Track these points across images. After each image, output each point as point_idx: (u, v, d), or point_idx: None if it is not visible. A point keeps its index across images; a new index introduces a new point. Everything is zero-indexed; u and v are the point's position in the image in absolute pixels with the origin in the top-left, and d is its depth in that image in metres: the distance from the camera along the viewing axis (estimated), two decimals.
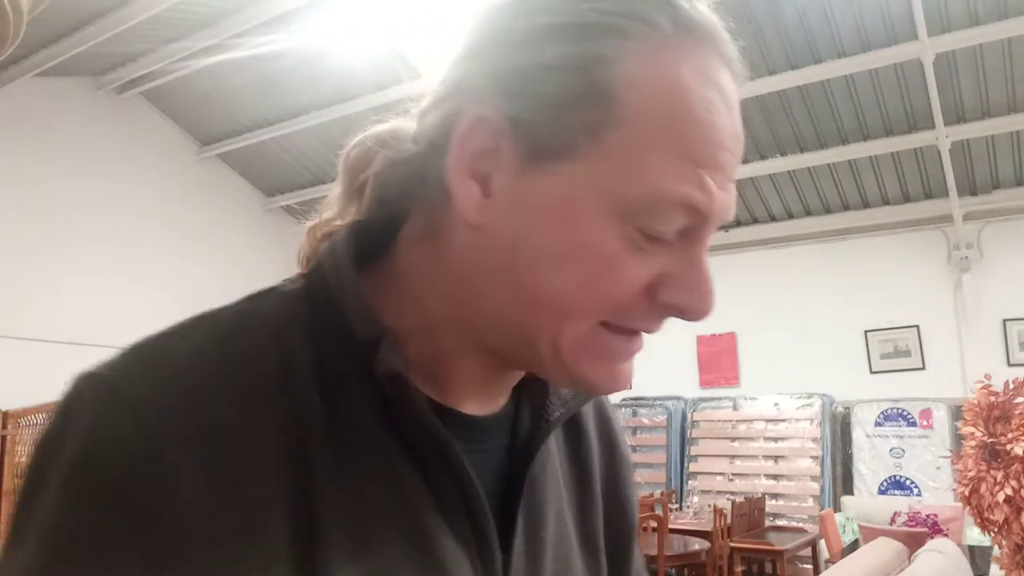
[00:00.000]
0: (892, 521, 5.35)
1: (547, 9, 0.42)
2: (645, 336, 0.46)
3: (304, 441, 0.40)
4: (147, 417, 0.37)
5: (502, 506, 0.50)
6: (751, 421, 6.62)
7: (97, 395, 0.38)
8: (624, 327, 0.44)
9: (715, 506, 4.84)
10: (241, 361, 0.41)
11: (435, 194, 0.45)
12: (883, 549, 2.92)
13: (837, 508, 5.75)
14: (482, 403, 0.51)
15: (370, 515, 0.42)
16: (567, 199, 0.41)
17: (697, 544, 4.58)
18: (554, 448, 0.56)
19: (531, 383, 0.53)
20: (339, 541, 0.40)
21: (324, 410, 0.42)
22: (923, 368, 6.18)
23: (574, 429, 0.60)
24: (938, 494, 5.68)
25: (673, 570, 4.86)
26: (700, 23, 0.43)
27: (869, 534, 4.37)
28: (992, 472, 2.34)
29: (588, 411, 0.62)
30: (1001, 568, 2.45)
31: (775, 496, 6.20)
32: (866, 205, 6.46)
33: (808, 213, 6.69)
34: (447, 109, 0.45)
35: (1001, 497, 2.30)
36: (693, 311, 0.43)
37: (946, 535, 4.59)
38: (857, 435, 6.20)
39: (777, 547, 4.75)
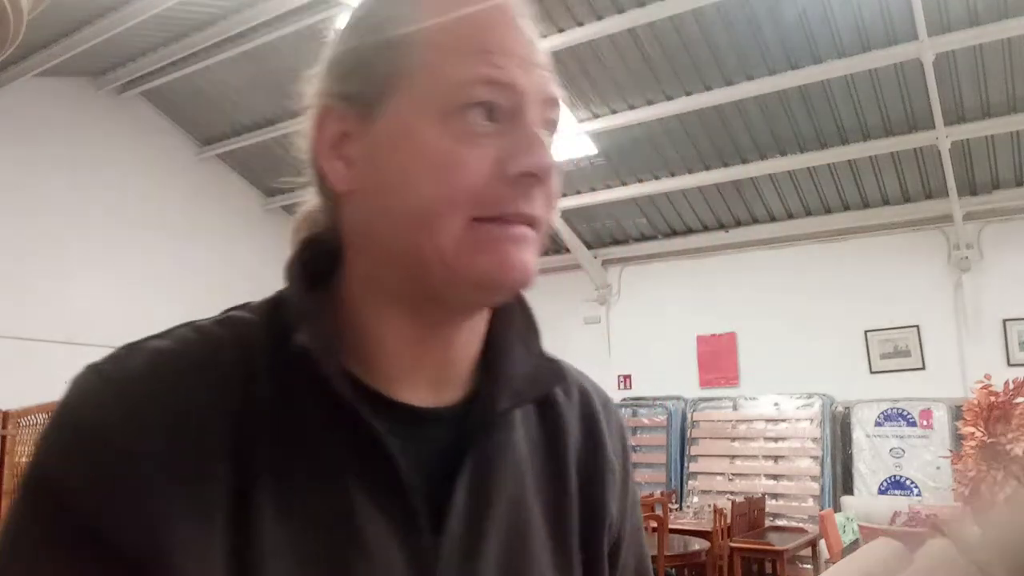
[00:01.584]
0: (892, 521, 5.34)
1: (363, 5, 0.54)
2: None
3: (251, 427, 0.47)
4: (125, 390, 0.46)
5: (446, 493, 0.52)
6: (751, 421, 6.62)
7: (86, 376, 0.47)
8: (498, 216, 0.48)
9: (715, 506, 4.84)
10: (208, 359, 0.49)
11: (324, 189, 0.53)
12: (883, 549, 2.91)
13: (837, 508, 5.75)
14: (432, 395, 0.54)
15: (300, 493, 0.47)
16: (398, 127, 0.49)
17: (697, 544, 4.57)
18: (521, 442, 0.57)
19: (486, 378, 0.56)
20: (270, 518, 0.46)
21: (274, 403, 0.48)
22: (923, 368, 6.17)
23: (553, 426, 0.60)
24: (938, 494, 5.67)
25: (673, 570, 4.85)
26: None
27: (869, 534, 4.36)
28: (992, 472, 2.34)
29: (574, 411, 0.62)
30: None
31: (775, 496, 6.20)
32: (866, 205, 6.45)
33: (808, 213, 6.69)
34: (308, 118, 0.53)
35: (1001, 497, 2.30)
36: (534, 166, 0.48)
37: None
38: (857, 435, 6.20)
39: (777, 547, 4.75)
